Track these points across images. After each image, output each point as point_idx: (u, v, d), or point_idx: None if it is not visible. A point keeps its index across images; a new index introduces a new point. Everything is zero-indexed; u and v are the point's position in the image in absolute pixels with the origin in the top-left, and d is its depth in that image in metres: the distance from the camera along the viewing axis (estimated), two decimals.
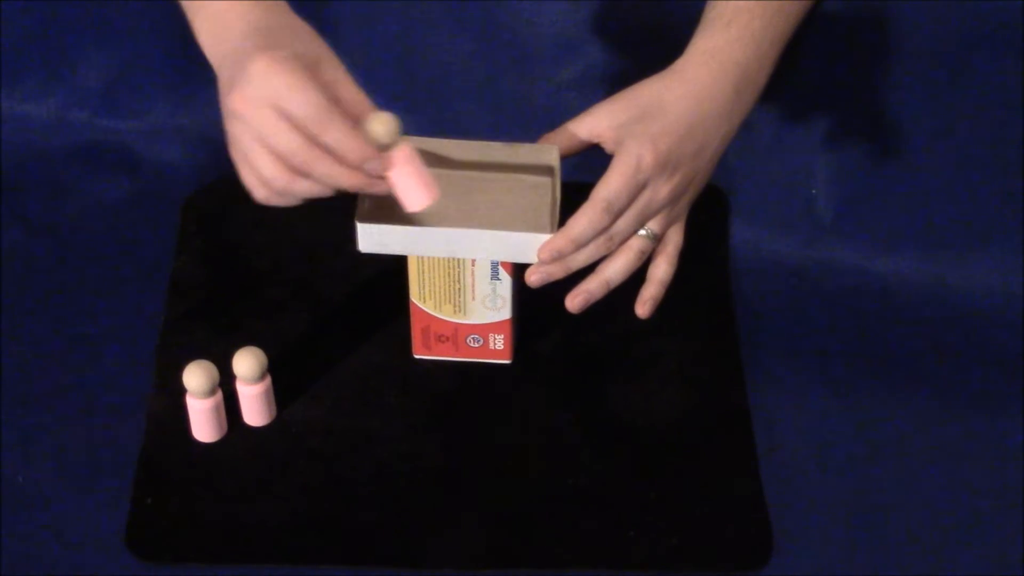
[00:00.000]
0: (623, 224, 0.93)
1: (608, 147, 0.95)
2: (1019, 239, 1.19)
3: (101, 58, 1.25)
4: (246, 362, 1.01)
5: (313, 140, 0.81)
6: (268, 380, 1.03)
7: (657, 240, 0.97)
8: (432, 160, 0.94)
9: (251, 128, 0.82)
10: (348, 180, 0.84)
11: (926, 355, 1.13)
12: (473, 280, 1.00)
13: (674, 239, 0.99)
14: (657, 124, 0.92)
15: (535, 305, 1.13)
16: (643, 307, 1.00)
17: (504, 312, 1.02)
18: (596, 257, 0.95)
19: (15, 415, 1.05)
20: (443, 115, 1.22)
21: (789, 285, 1.18)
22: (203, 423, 1.02)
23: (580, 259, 0.95)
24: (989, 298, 1.17)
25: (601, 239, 0.93)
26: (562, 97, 1.20)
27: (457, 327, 1.05)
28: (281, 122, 0.81)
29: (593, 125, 0.95)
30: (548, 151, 0.97)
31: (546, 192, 0.98)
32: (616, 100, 0.95)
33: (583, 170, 0.97)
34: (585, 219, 0.91)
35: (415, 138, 0.91)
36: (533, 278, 0.95)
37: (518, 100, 1.21)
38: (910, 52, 1.14)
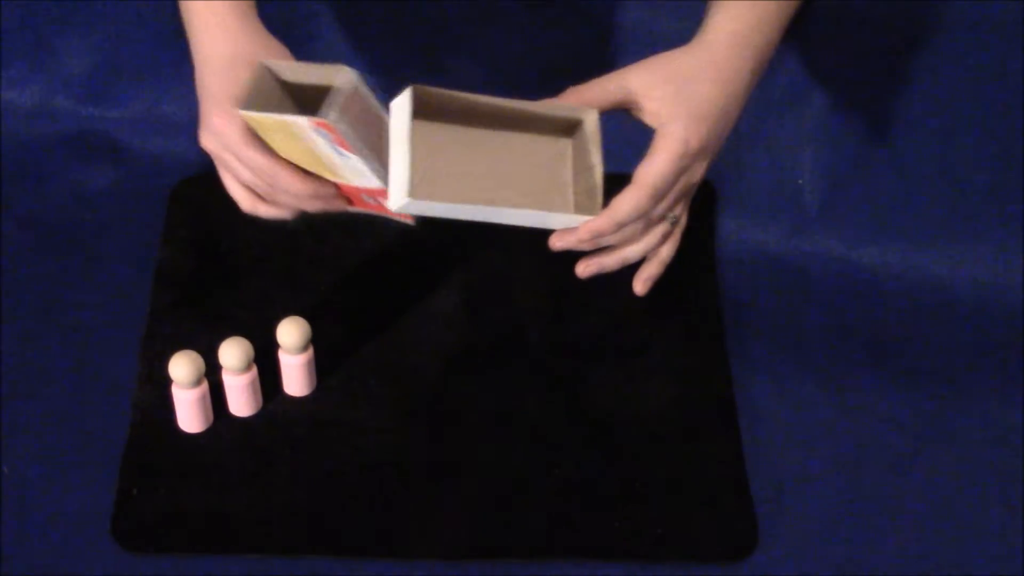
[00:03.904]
0: (662, 207, 0.92)
1: (645, 117, 0.92)
2: (1005, 230, 1.19)
3: (86, 46, 1.24)
4: (232, 352, 1.01)
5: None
6: (254, 371, 1.03)
7: (676, 223, 0.97)
8: (468, 116, 0.91)
9: (219, 161, 0.93)
10: (308, 206, 0.93)
11: (912, 346, 1.14)
12: (331, 160, 0.93)
13: (681, 221, 0.98)
14: (696, 106, 0.91)
15: (521, 294, 1.14)
16: (642, 285, 0.98)
17: (373, 181, 0.94)
18: (630, 239, 0.94)
19: (1, 405, 1.05)
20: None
21: (775, 276, 1.19)
22: (189, 413, 1.02)
23: (613, 239, 0.93)
24: (975, 289, 1.18)
25: (639, 222, 0.92)
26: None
27: (347, 187, 0.98)
28: (240, 164, 0.91)
29: (630, 89, 0.92)
30: (588, 115, 0.92)
31: (587, 162, 0.94)
32: (653, 68, 0.93)
33: None
34: (632, 203, 0.90)
35: (456, 93, 0.89)
36: (559, 244, 0.93)
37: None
38: (897, 43, 1.14)
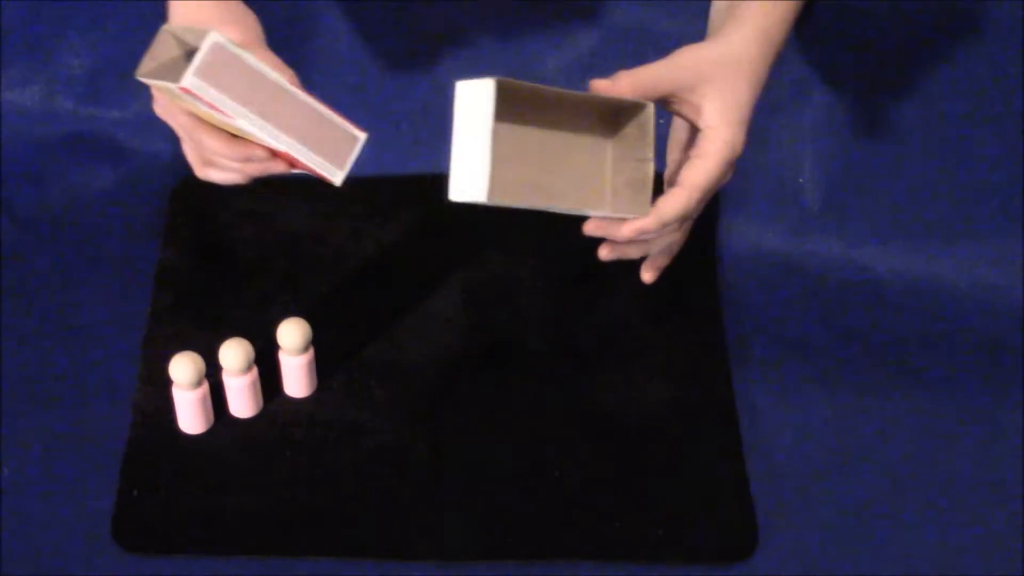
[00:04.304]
0: (700, 207, 0.92)
1: (689, 113, 0.90)
2: (1007, 230, 1.19)
3: (87, 47, 1.24)
4: (232, 353, 1.01)
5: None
6: (254, 372, 1.03)
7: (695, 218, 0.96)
8: (523, 108, 0.88)
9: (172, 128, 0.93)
10: (248, 169, 0.91)
11: (913, 346, 1.14)
12: (224, 122, 0.91)
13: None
14: (739, 110, 0.90)
15: (521, 296, 1.14)
16: (650, 274, 0.98)
17: (268, 141, 0.91)
18: (668, 237, 0.93)
19: (1, 406, 1.05)
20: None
21: (776, 275, 1.19)
22: (189, 415, 1.02)
23: (655, 238, 0.93)
24: (976, 289, 1.18)
25: (680, 223, 0.92)
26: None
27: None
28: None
29: (681, 83, 0.90)
30: (644, 111, 0.90)
31: (637, 160, 0.92)
32: (701, 63, 0.90)
33: None
34: (680, 205, 0.89)
35: (509, 80, 0.85)
36: (596, 233, 0.92)
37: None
38: (898, 42, 1.14)
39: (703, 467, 1.03)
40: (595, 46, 1.20)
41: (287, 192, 1.20)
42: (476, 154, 0.83)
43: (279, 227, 1.18)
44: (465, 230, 1.18)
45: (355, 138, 0.89)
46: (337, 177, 0.90)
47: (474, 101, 0.84)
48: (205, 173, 0.93)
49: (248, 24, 0.92)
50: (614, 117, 0.91)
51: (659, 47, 1.18)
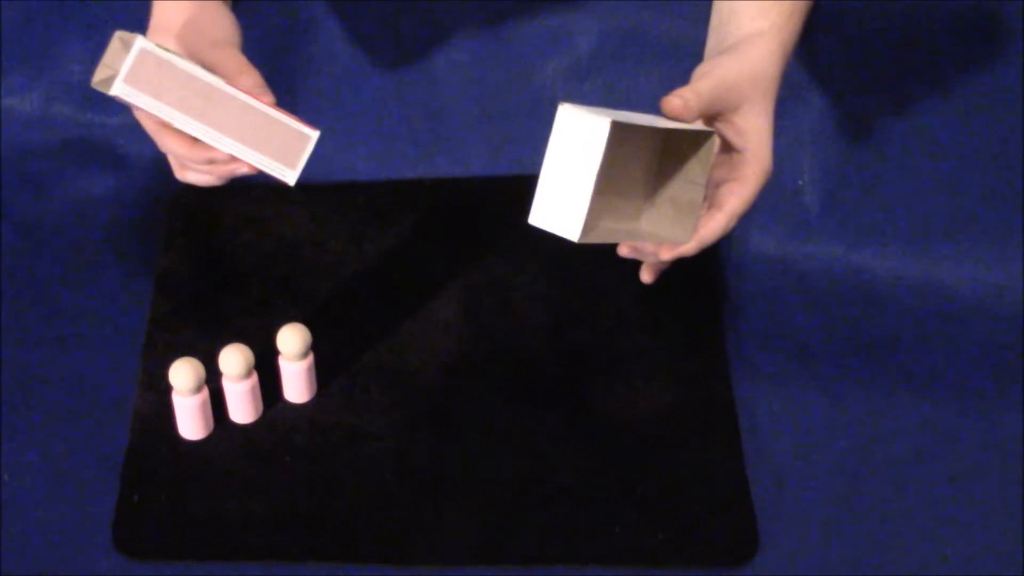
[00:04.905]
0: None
1: (730, 134, 0.89)
2: (1006, 232, 1.19)
3: (86, 53, 1.24)
4: (232, 359, 1.01)
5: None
6: (254, 377, 1.03)
7: None
8: (619, 141, 0.86)
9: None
10: (217, 171, 0.92)
11: (912, 349, 1.13)
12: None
13: None
14: (771, 130, 0.90)
15: (521, 300, 1.14)
16: (650, 276, 0.99)
17: (212, 144, 0.92)
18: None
19: (1, 413, 1.05)
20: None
21: (775, 279, 1.18)
22: (189, 420, 1.02)
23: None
24: (975, 292, 1.18)
25: None
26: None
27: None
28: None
29: (729, 104, 0.89)
30: (710, 138, 0.89)
31: (690, 183, 0.91)
32: (739, 79, 0.89)
33: None
34: (720, 229, 0.90)
35: (618, 122, 0.82)
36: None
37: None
38: (899, 44, 1.14)
39: (703, 471, 1.03)
40: (595, 46, 1.20)
41: (286, 198, 1.20)
42: (574, 192, 0.81)
43: (278, 233, 1.18)
44: (465, 235, 1.18)
45: (307, 137, 0.89)
46: (289, 177, 0.90)
47: (581, 133, 0.81)
48: (183, 175, 0.94)
49: (223, 24, 0.93)
50: (670, 138, 0.91)
51: (659, 48, 1.19)
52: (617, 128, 0.81)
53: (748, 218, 1.20)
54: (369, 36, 1.22)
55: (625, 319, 1.12)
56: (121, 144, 1.25)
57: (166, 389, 1.02)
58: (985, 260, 1.19)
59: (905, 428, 1.08)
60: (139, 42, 0.84)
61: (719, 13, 0.96)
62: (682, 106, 0.85)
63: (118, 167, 1.24)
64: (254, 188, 1.21)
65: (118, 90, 0.84)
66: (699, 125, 0.89)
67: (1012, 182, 1.18)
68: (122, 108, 1.25)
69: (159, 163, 1.24)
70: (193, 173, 0.93)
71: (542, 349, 1.10)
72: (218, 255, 1.16)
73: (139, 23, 1.22)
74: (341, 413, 1.06)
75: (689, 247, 0.91)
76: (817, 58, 1.17)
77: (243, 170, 0.91)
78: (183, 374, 0.99)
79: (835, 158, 1.20)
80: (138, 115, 0.91)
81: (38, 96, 1.26)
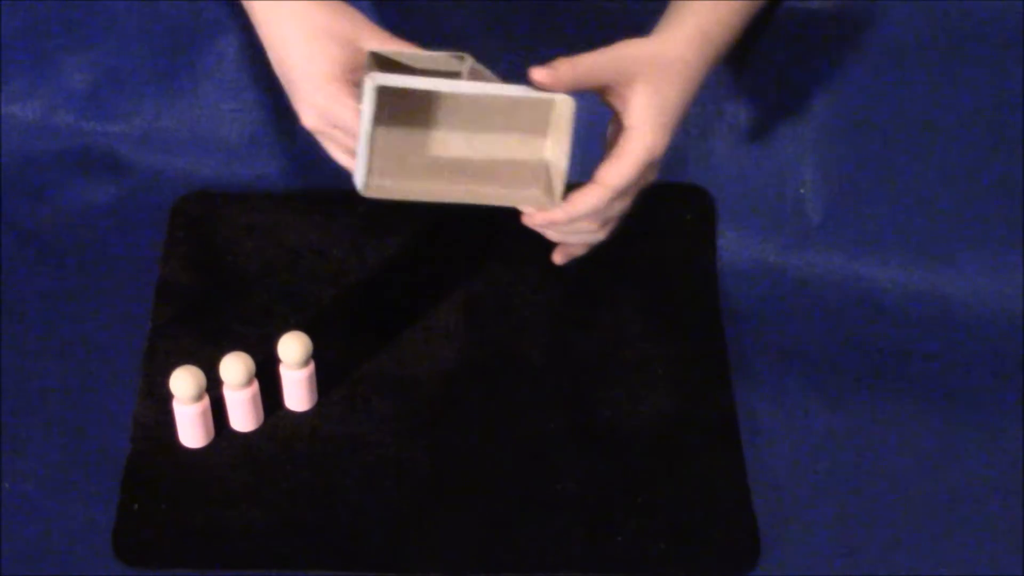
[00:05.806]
0: (617, 207, 0.92)
1: (617, 105, 0.91)
2: (1009, 241, 1.19)
3: (87, 61, 1.24)
4: (233, 367, 1.01)
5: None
6: (255, 385, 1.03)
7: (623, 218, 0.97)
8: (438, 108, 0.90)
9: (325, 136, 0.93)
10: None
11: (914, 358, 1.13)
12: None
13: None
14: (666, 113, 0.90)
15: (522, 309, 1.13)
16: (561, 257, 0.99)
17: None
18: (583, 233, 0.94)
19: (1, 421, 1.05)
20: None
21: (777, 287, 1.18)
22: (190, 428, 1.02)
23: (568, 230, 0.94)
24: (977, 301, 1.18)
25: (595, 217, 0.92)
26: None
27: None
28: (351, 136, 0.90)
29: (618, 77, 0.90)
30: (565, 100, 0.90)
31: (554, 147, 0.92)
32: (638, 59, 0.90)
33: None
34: (591, 202, 0.90)
35: (390, 78, 0.87)
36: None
37: None
38: (900, 52, 1.14)
39: (704, 480, 1.03)
40: (594, 46, 1.20)
41: (287, 206, 1.20)
42: (360, 150, 0.87)
43: (279, 241, 1.18)
44: (466, 243, 1.18)
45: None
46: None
47: (367, 97, 0.86)
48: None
49: (351, 13, 0.93)
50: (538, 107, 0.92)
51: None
52: (425, 94, 0.88)
53: (749, 227, 1.21)
54: None
55: (626, 328, 1.12)
56: (122, 153, 1.25)
57: (167, 397, 1.02)
58: (986, 269, 1.19)
59: (907, 438, 1.08)
60: (371, 80, 0.86)
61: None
62: (549, 75, 0.87)
63: (119, 175, 1.24)
64: (254, 196, 1.21)
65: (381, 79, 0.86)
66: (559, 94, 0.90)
67: (1013, 191, 1.18)
68: (124, 116, 1.26)
69: (160, 172, 1.24)
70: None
71: (542, 358, 1.10)
72: (219, 263, 1.16)
73: (143, 32, 1.22)
74: (342, 421, 1.05)
75: (556, 214, 0.90)
76: (818, 65, 1.17)
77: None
78: (184, 382, 0.99)
79: (836, 167, 1.20)
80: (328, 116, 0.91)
81: (39, 104, 1.26)
